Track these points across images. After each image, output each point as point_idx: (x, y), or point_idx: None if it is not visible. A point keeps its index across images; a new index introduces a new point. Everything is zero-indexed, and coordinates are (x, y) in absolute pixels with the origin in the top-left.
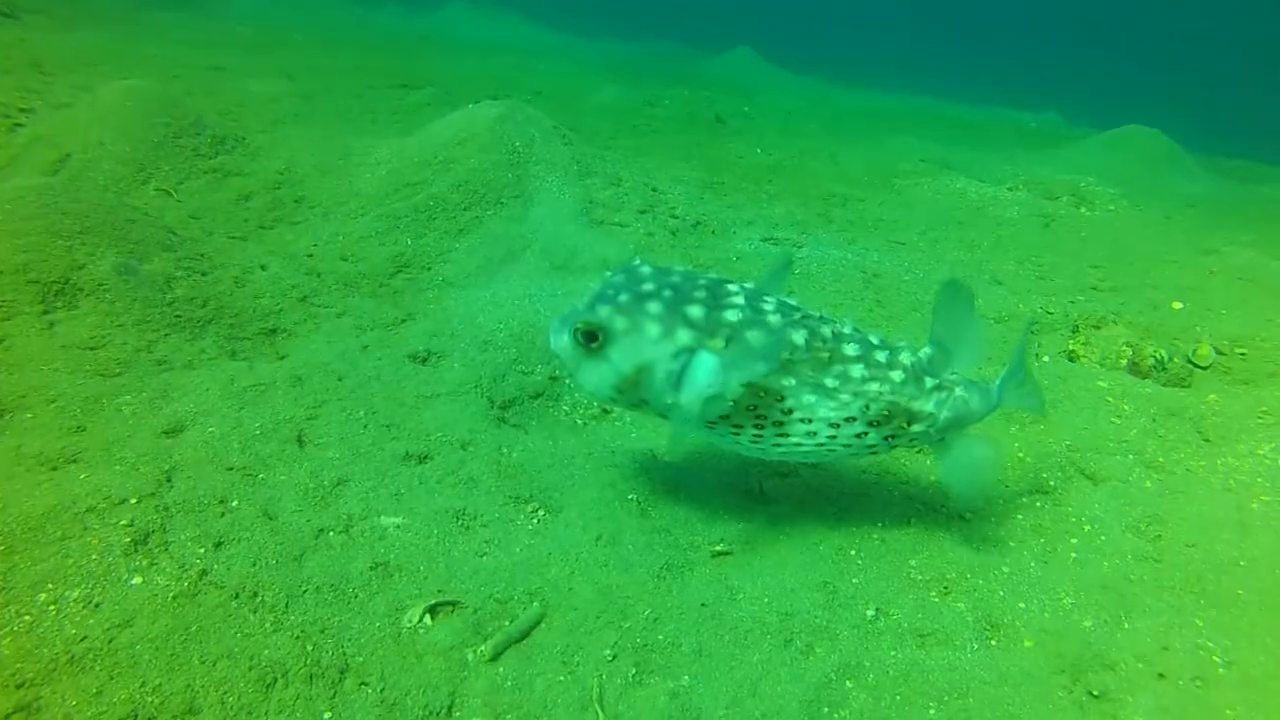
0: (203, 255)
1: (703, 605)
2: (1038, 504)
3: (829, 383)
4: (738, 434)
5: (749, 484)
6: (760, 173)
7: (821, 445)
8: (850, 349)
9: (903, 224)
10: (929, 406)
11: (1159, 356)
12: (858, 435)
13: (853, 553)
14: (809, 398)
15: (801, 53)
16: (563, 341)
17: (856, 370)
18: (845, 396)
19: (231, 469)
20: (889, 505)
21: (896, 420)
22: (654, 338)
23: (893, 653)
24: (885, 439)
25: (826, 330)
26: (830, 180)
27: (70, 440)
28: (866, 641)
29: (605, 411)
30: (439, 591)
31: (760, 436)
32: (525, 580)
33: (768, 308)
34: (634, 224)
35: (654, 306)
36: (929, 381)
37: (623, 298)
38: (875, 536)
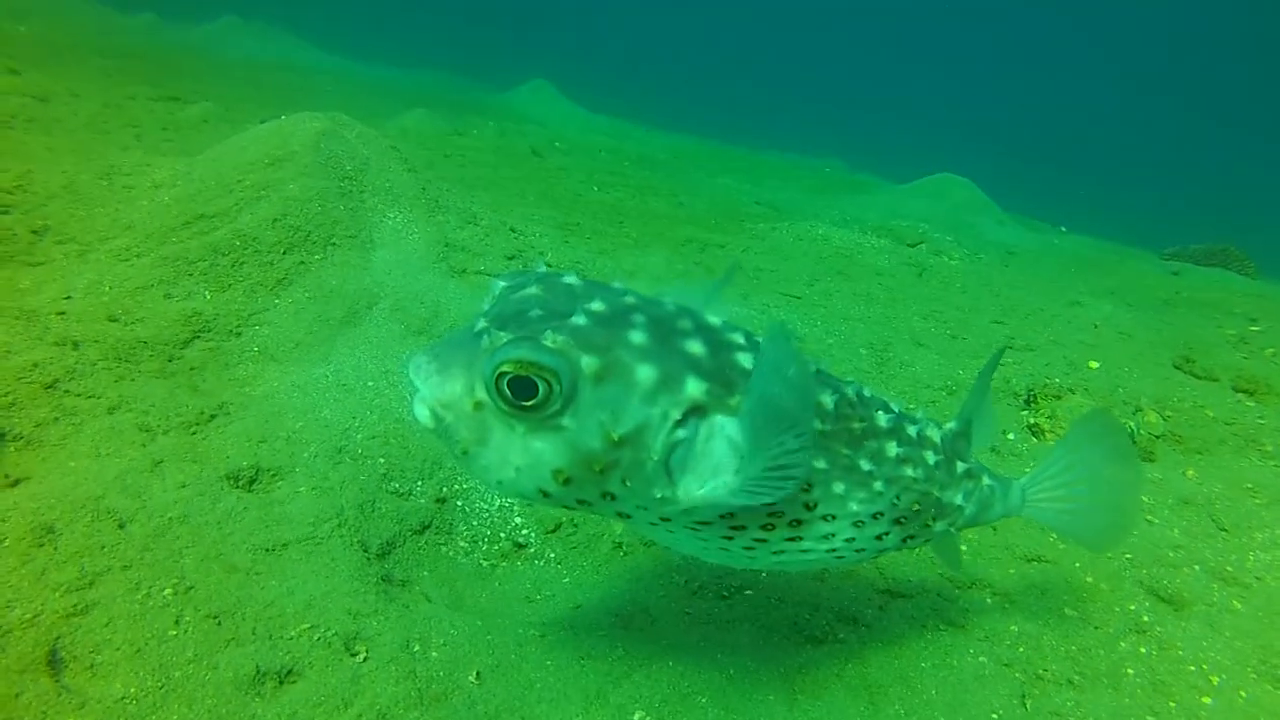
0: None
1: None
2: (1141, 649)
3: (864, 465)
4: (731, 538)
5: (779, 662)
6: (607, 213)
7: (832, 551)
8: (882, 419)
9: (785, 274)
10: (958, 499)
11: (1129, 430)
12: (878, 538)
13: None
14: (839, 486)
15: (589, 89)
16: (452, 394)
17: (891, 448)
18: (878, 485)
19: None
20: (983, 679)
21: (923, 516)
22: (647, 388)
23: None
24: (903, 541)
25: (850, 391)
26: (683, 223)
27: None
28: None
29: (518, 546)
30: None
31: (762, 541)
32: None
33: None
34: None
35: (638, 337)
36: (960, 466)
37: (580, 320)
38: None
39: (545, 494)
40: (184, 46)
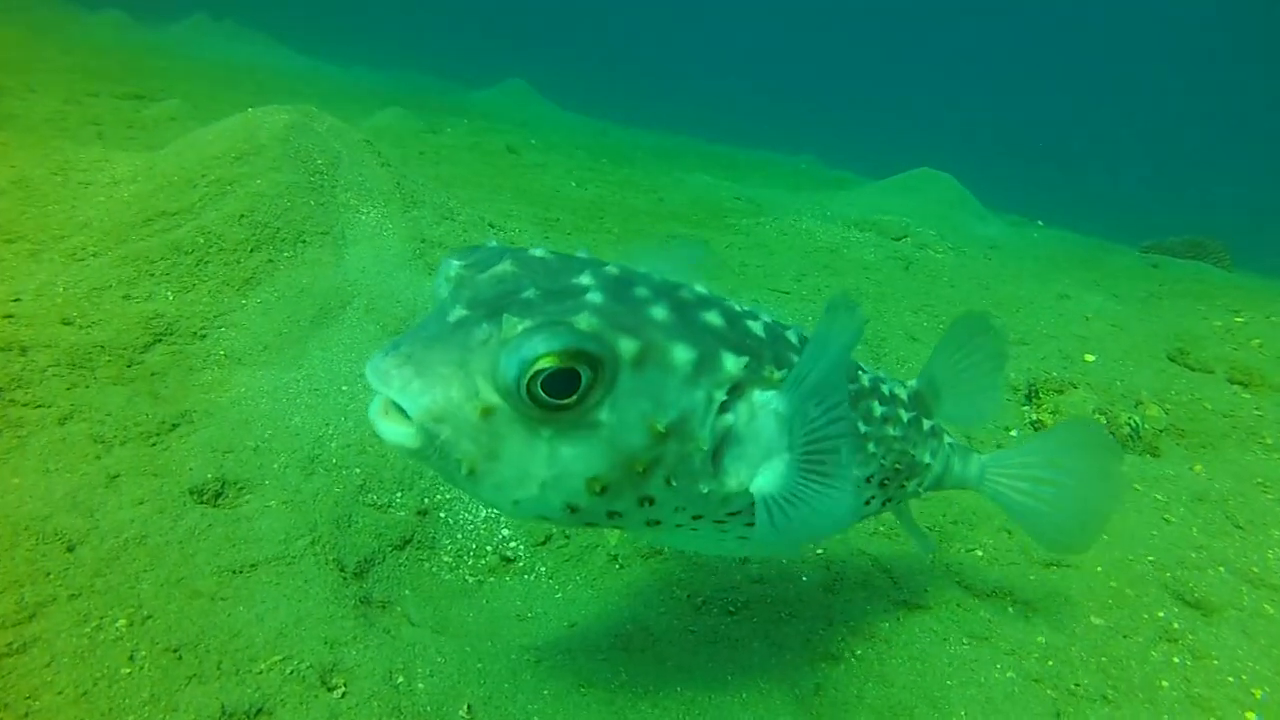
0: None
1: None
2: (1174, 659)
3: (861, 427)
4: (753, 524)
5: (795, 683)
6: (587, 208)
7: None
8: (865, 379)
9: (772, 270)
10: (926, 456)
11: (1134, 424)
12: (866, 502)
13: None
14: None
15: (565, 89)
16: (447, 401)
17: (876, 408)
18: (871, 446)
19: None
20: (1013, 697)
21: (901, 476)
22: (687, 371)
23: None
24: (883, 505)
25: None
26: (664, 219)
27: None
28: None
29: (505, 560)
30: None
31: None
32: None
33: (765, 318)
34: None
35: (659, 312)
36: (925, 424)
37: (596, 298)
38: None
39: (573, 510)
40: (151, 45)
